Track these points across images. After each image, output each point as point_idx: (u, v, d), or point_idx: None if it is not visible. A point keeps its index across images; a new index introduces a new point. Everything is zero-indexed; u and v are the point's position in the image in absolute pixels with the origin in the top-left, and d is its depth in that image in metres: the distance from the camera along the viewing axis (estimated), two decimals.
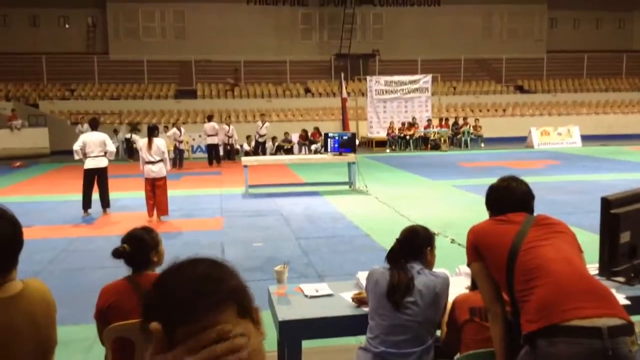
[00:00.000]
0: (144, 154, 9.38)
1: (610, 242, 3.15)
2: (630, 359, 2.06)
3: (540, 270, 2.24)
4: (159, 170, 9.37)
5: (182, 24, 30.36)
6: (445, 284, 2.84)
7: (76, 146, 9.76)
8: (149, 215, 9.39)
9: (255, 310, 1.00)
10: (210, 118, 19.85)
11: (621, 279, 3.23)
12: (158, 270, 3.09)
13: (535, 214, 2.60)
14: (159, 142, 9.50)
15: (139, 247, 2.97)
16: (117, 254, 2.95)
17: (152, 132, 9.58)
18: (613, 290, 2.94)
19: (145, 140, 9.50)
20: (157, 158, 9.37)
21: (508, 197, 2.58)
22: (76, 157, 9.90)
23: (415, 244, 2.90)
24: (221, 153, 19.69)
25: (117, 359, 2.90)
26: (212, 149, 19.18)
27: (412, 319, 2.73)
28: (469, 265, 2.57)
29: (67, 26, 29.69)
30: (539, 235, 2.37)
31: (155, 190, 9.37)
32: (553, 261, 2.26)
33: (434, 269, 2.95)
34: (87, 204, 9.92)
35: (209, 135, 19.11)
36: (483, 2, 31.57)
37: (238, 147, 21.07)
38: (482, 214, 2.78)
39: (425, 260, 2.91)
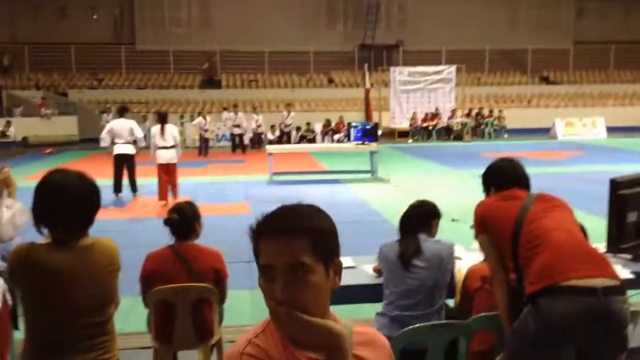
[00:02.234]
0: (157, 140, 9.71)
1: (617, 221, 3.34)
2: (622, 314, 2.29)
3: (542, 238, 2.48)
4: (171, 156, 9.70)
5: (207, 14, 30.67)
6: (449, 250, 3.12)
7: (103, 133, 10.13)
8: (162, 199, 9.63)
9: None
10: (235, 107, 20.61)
11: (628, 256, 3.43)
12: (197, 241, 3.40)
13: None
14: (171, 129, 9.84)
15: (186, 216, 3.33)
16: (168, 222, 3.30)
17: (164, 119, 9.91)
18: (619, 266, 3.15)
19: (158, 126, 9.82)
20: (171, 143, 9.70)
21: (515, 174, 2.83)
22: (102, 144, 10.22)
23: (422, 216, 3.20)
24: (246, 142, 20.13)
25: (158, 320, 3.19)
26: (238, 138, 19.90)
27: (422, 283, 2.98)
28: (476, 237, 2.80)
29: (95, 16, 30.20)
30: (541, 209, 2.61)
31: (169, 176, 9.70)
32: (553, 230, 2.49)
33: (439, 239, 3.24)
34: (118, 187, 10.32)
35: (235, 126, 19.60)
36: None
37: (264, 136, 21.52)
38: None
39: (430, 231, 3.20)
